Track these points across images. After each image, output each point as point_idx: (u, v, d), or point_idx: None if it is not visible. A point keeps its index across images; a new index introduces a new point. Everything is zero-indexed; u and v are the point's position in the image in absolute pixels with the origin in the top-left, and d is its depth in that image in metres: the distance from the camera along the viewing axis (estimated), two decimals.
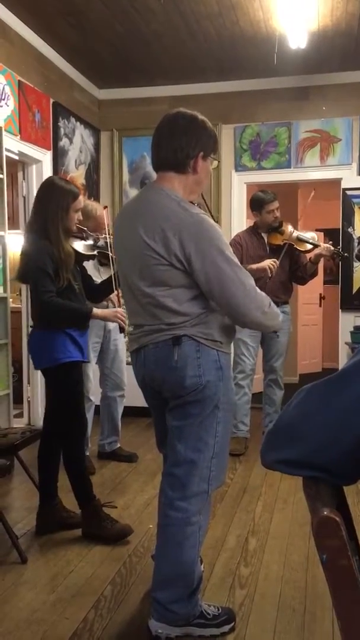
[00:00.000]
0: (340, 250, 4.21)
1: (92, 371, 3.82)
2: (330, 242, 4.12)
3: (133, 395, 3.58)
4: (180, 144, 1.96)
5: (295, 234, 4.16)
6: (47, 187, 2.82)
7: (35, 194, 2.95)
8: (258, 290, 1.94)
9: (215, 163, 2.08)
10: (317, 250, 4.10)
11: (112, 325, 3.77)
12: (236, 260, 1.92)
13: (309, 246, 4.14)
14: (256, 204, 4.26)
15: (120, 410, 4.02)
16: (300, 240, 4.15)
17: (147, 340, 1.99)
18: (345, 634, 0.85)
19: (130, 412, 4.41)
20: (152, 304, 1.95)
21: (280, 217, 4.24)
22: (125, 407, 4.07)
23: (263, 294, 1.95)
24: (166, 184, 1.99)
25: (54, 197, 2.76)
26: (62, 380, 2.82)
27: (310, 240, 4.14)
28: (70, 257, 2.79)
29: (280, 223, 4.22)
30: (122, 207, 2.19)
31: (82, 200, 2.89)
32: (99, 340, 3.79)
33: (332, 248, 4.08)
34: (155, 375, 2.00)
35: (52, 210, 2.75)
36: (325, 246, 4.06)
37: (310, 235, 4.24)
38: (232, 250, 1.94)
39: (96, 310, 2.86)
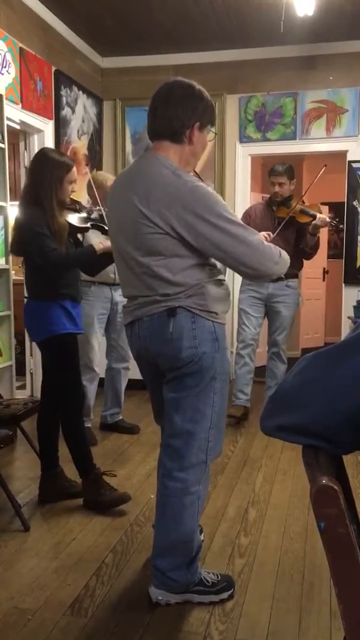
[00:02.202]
0: (337, 222, 4.22)
1: (98, 343, 3.82)
2: (330, 214, 4.13)
3: (137, 368, 3.60)
4: (176, 113, 1.93)
5: (299, 207, 4.16)
6: (40, 159, 2.80)
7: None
8: (265, 242, 1.92)
9: (212, 135, 2.05)
10: (313, 221, 4.10)
11: (120, 298, 3.77)
12: (237, 219, 1.91)
13: (310, 218, 4.14)
14: (268, 172, 4.35)
15: (124, 383, 4.03)
16: (303, 212, 4.16)
17: (142, 312, 1.98)
18: (342, 600, 0.86)
19: (134, 385, 4.42)
20: (147, 274, 1.93)
21: (284, 193, 4.24)
22: (129, 380, 4.08)
23: (271, 245, 1.94)
24: (161, 152, 1.96)
25: (48, 169, 2.75)
26: (57, 352, 2.84)
27: (310, 212, 4.14)
28: (64, 230, 2.80)
29: (289, 197, 4.25)
30: (116, 177, 2.16)
31: (76, 172, 2.90)
32: (105, 312, 3.80)
33: (327, 219, 4.10)
34: (150, 348, 2.00)
35: (45, 182, 2.74)
36: (320, 217, 4.08)
37: (315, 210, 4.22)
38: (230, 210, 1.92)
39: (98, 245, 2.94)
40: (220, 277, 2.04)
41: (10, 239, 3.95)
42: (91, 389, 3.79)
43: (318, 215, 4.08)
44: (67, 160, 2.84)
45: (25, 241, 2.75)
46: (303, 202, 4.23)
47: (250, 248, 1.88)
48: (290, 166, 4.29)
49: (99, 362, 3.87)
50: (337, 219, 4.26)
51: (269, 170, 4.33)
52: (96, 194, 3.61)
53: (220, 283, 2.02)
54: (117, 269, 2.12)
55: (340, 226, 4.24)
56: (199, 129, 1.97)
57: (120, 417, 4.09)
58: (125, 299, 2.11)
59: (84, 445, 2.89)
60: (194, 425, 1.99)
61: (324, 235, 7.70)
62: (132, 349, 2.11)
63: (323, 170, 4.01)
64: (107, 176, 3.75)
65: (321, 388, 0.90)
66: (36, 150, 4.61)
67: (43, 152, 2.89)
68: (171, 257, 1.90)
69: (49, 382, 2.96)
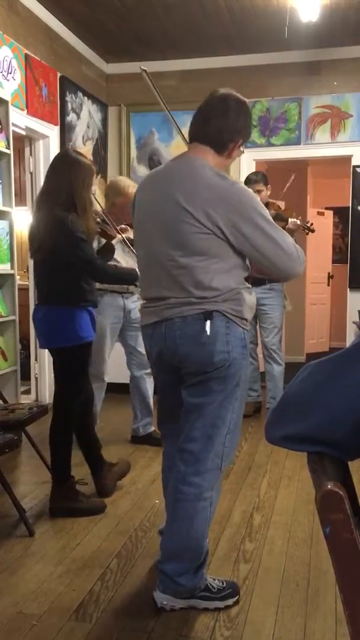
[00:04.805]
0: (307, 224, 4.35)
1: (109, 354, 3.74)
2: (299, 217, 4.29)
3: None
4: (228, 127, 1.99)
5: (274, 213, 4.26)
6: (71, 162, 2.75)
7: (49, 167, 2.88)
8: (296, 246, 1.99)
9: (241, 152, 2.11)
10: (287, 226, 4.17)
11: (133, 305, 3.73)
12: (273, 221, 1.96)
13: (284, 222, 4.23)
14: (244, 182, 4.46)
15: (150, 389, 3.90)
16: (277, 218, 4.25)
17: (172, 313, 1.97)
18: (348, 606, 0.85)
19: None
20: (186, 275, 1.93)
21: (263, 200, 4.28)
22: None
23: (299, 247, 2.01)
24: (202, 155, 1.99)
25: (80, 172, 2.74)
26: (79, 358, 2.83)
27: (284, 216, 4.24)
28: (94, 233, 2.83)
29: (265, 204, 4.27)
30: (150, 175, 2.14)
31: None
32: (118, 322, 3.70)
33: (299, 222, 4.20)
34: (178, 350, 1.98)
35: (78, 185, 2.72)
36: (292, 220, 4.18)
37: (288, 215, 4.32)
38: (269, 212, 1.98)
39: None
40: (248, 284, 2.07)
41: (15, 243, 4.00)
42: (98, 396, 3.71)
43: (290, 219, 4.19)
44: (92, 165, 2.85)
45: (65, 247, 2.68)
46: (279, 208, 4.35)
47: (285, 252, 1.94)
48: (263, 173, 4.45)
49: (109, 371, 3.80)
50: (310, 222, 4.37)
51: (244, 182, 4.43)
52: (118, 202, 3.56)
53: (251, 291, 2.05)
54: (144, 269, 2.10)
55: (312, 228, 4.31)
56: (239, 146, 2.04)
57: (153, 429, 3.90)
58: (144, 300, 2.10)
59: (70, 451, 2.89)
60: (214, 430, 1.99)
61: (328, 239, 7.72)
62: (152, 349, 2.08)
63: (292, 178, 4.12)
64: (129, 182, 3.66)
65: (327, 395, 0.89)
66: (41, 156, 4.66)
67: (71, 154, 2.82)
68: (214, 257, 1.92)
69: (66, 389, 2.87)
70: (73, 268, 2.74)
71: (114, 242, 3.20)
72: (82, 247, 2.68)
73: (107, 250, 3.09)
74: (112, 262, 3.15)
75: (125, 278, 3.00)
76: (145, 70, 2.52)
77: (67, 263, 2.72)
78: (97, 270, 2.77)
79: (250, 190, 1.97)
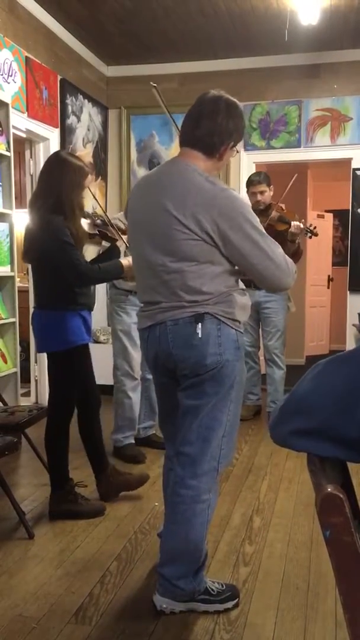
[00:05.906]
0: (310, 227, 4.30)
1: (137, 351, 3.62)
2: (302, 220, 4.24)
3: None
4: (219, 129, 1.96)
5: (277, 214, 4.22)
6: (60, 163, 2.72)
7: (41, 169, 2.86)
8: (286, 257, 1.97)
9: (235, 153, 2.08)
10: (289, 229, 4.15)
11: None
12: (263, 230, 1.94)
13: (286, 225, 4.20)
14: (246, 184, 4.45)
15: None
16: (280, 220, 4.23)
17: (165, 316, 1.97)
18: (348, 609, 0.85)
19: None
20: (177, 280, 1.93)
21: (266, 201, 4.28)
22: None
23: (289, 259, 1.98)
24: (192, 160, 1.98)
25: (68, 173, 2.69)
26: (74, 363, 2.80)
27: (286, 219, 4.20)
28: (85, 237, 2.77)
29: (268, 206, 4.28)
30: (141, 180, 2.13)
31: (91, 178, 2.87)
32: None
33: (302, 226, 4.16)
34: (172, 353, 1.98)
35: (66, 186, 2.67)
36: (294, 224, 4.14)
37: (291, 217, 4.28)
38: (259, 221, 1.95)
39: (124, 262, 2.81)
40: (242, 285, 2.06)
41: (15, 245, 4.00)
42: (135, 398, 3.66)
43: (292, 222, 4.15)
44: (84, 165, 2.80)
45: (50, 251, 2.64)
46: (282, 210, 4.29)
47: (275, 263, 1.91)
48: (265, 173, 4.40)
49: (141, 369, 3.70)
50: (313, 226, 4.31)
51: (246, 183, 4.41)
52: None
53: (244, 292, 2.04)
54: (138, 273, 2.09)
55: (314, 231, 4.29)
56: (230, 147, 2.01)
57: (153, 432, 3.87)
58: (141, 304, 2.10)
59: (66, 454, 2.87)
60: (210, 432, 2.00)
61: (328, 242, 7.72)
62: (148, 353, 2.09)
63: (295, 178, 4.10)
64: None
65: (338, 393, 0.89)
66: (42, 158, 4.66)
67: (61, 155, 2.80)
68: (205, 263, 1.91)
69: (58, 393, 2.86)
70: (60, 271, 2.70)
71: (117, 244, 3.19)
72: (68, 251, 2.62)
73: (111, 253, 3.04)
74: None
75: (111, 276, 2.90)
76: (155, 87, 2.52)
77: (56, 266, 2.69)
78: (80, 275, 2.67)
79: (240, 197, 1.94)
